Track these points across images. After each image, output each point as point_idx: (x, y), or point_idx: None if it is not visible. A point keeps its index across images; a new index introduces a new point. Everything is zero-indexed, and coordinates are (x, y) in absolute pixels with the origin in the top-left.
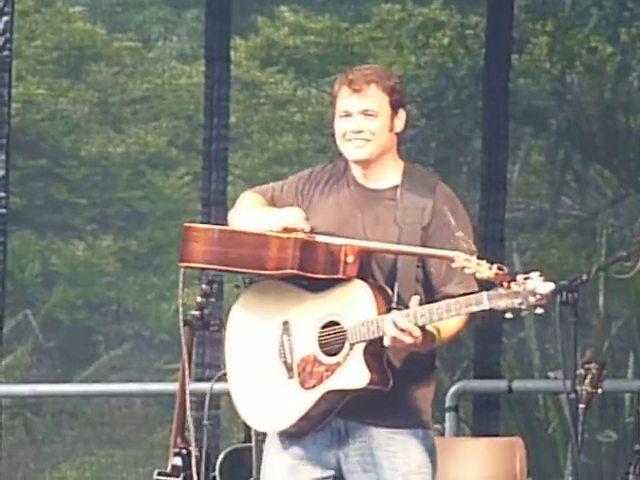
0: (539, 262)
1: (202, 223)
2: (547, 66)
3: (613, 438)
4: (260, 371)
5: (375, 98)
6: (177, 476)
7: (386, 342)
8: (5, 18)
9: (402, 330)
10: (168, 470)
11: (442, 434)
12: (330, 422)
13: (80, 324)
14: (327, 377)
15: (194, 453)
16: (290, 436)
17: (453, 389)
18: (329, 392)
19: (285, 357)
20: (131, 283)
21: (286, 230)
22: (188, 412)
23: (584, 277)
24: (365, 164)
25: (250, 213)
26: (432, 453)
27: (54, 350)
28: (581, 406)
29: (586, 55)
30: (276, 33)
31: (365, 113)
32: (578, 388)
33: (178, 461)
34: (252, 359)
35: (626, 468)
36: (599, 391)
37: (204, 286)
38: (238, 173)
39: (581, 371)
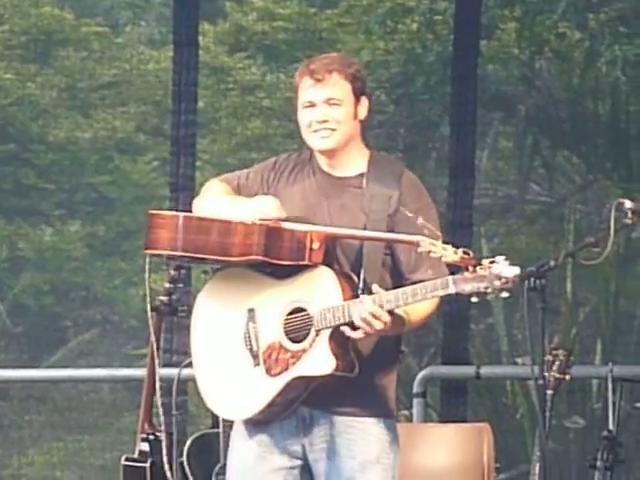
0: (507, 248)
1: (170, 209)
2: (516, 52)
3: (581, 424)
4: (226, 359)
5: (338, 86)
6: (144, 462)
7: (355, 331)
8: None
9: (371, 315)
10: (135, 455)
11: (410, 420)
12: (296, 410)
13: (48, 309)
14: (293, 364)
15: (162, 438)
16: (256, 424)
17: (421, 375)
18: (295, 379)
19: (251, 345)
20: (99, 268)
21: (263, 221)
22: (158, 397)
23: (552, 263)
24: (331, 153)
25: (220, 202)
26: (393, 443)
27: (21, 335)
28: (549, 392)
29: (554, 41)
30: (244, 18)
31: (329, 102)
32: (546, 374)
33: (145, 446)
34: (218, 347)
35: (594, 454)
36: (567, 377)
37: (172, 272)
38: (206, 158)
39: (549, 357)
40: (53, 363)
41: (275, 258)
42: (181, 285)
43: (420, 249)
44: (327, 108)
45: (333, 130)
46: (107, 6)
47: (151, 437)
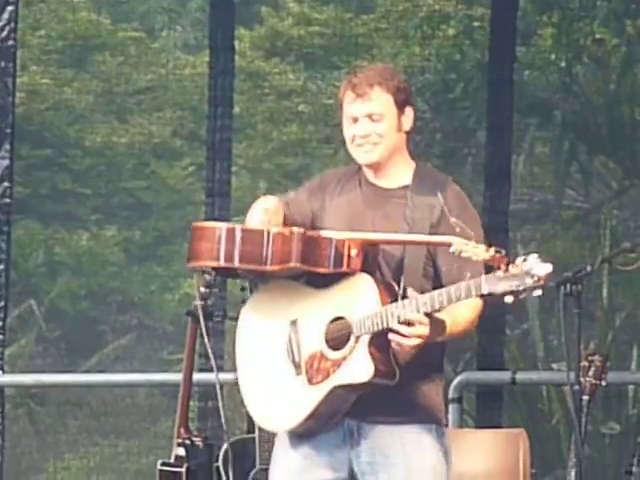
0: (543, 253)
1: (206, 213)
2: (552, 58)
3: (616, 430)
4: (269, 371)
5: (379, 100)
6: (181, 466)
7: (404, 337)
8: (10, 8)
9: (408, 322)
10: (172, 460)
11: (446, 426)
12: (341, 422)
13: (84, 314)
14: (333, 372)
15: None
16: (300, 435)
17: (456, 381)
18: (336, 387)
19: (293, 355)
20: (135, 273)
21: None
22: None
23: (588, 269)
24: (376, 166)
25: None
26: (447, 451)
27: (58, 340)
28: (585, 398)
29: (591, 47)
30: (280, 24)
31: (371, 117)
32: (582, 380)
33: (182, 451)
34: (262, 360)
35: (629, 460)
36: (603, 383)
37: (207, 277)
38: (242, 163)
39: (585, 363)
40: (89, 368)
41: (313, 266)
42: (216, 290)
43: (452, 249)
44: (369, 123)
45: (376, 144)
46: (143, 11)
47: (187, 442)
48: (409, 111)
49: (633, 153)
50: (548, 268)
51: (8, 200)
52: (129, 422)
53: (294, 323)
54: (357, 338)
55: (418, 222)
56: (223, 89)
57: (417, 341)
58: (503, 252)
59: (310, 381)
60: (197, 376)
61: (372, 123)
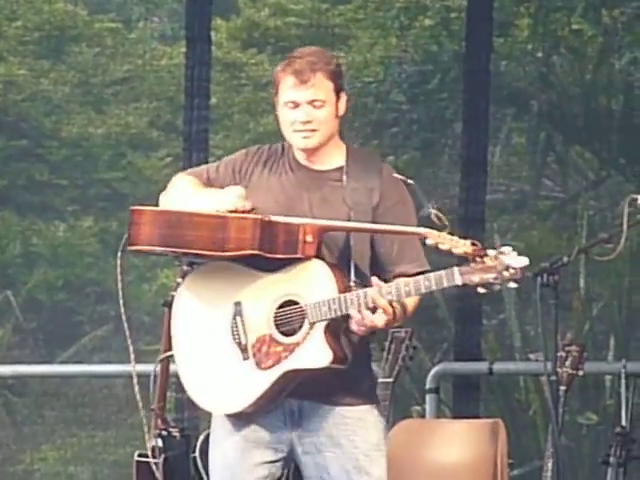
0: (520, 244)
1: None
2: (529, 48)
3: (593, 420)
4: (211, 353)
5: (322, 87)
6: (157, 457)
7: (359, 326)
8: None
9: (374, 308)
10: (148, 451)
11: (422, 416)
12: (282, 402)
13: (61, 305)
14: (285, 357)
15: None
16: (240, 417)
17: (434, 371)
18: (288, 372)
19: (239, 338)
20: (112, 264)
21: (234, 212)
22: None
23: (565, 259)
24: (311, 151)
25: (188, 195)
26: (385, 429)
27: (35, 331)
28: (562, 388)
29: (568, 37)
30: (257, 14)
31: (313, 103)
32: (559, 370)
33: (158, 442)
34: (201, 341)
35: (607, 450)
36: (580, 373)
37: (185, 267)
38: (219, 154)
39: (562, 353)
40: (66, 359)
41: (269, 252)
42: None
43: (428, 241)
44: (310, 109)
45: (315, 130)
46: (120, 2)
47: (164, 433)
48: (343, 96)
49: (610, 144)
50: (524, 261)
51: None
52: (106, 413)
53: (238, 305)
54: (312, 324)
55: (359, 205)
56: (200, 80)
57: (379, 325)
58: (479, 245)
59: (259, 365)
60: (174, 367)
61: (314, 109)
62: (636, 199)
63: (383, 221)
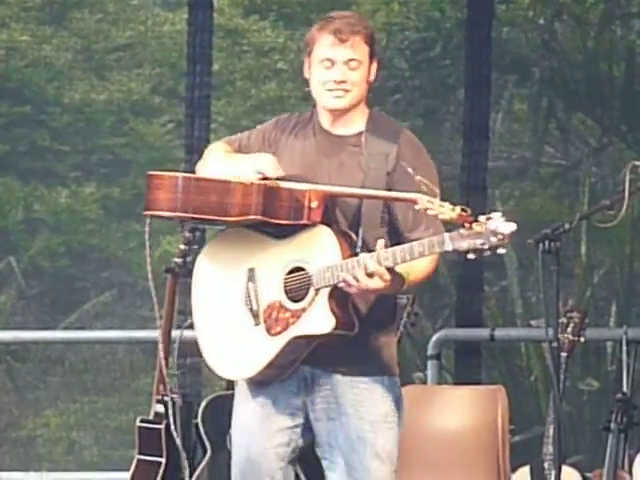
0: (522, 211)
1: (185, 170)
2: (531, 15)
3: (595, 386)
4: (226, 319)
5: (359, 48)
6: (160, 423)
7: (350, 288)
8: None
9: (370, 274)
10: (151, 417)
11: (424, 382)
12: (296, 370)
13: (63, 271)
14: (293, 323)
15: (176, 400)
16: (258, 385)
17: (435, 337)
18: (295, 338)
19: (251, 304)
20: (114, 230)
21: (265, 178)
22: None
23: (567, 226)
24: (339, 113)
25: (219, 163)
26: (398, 401)
27: (38, 297)
28: (563, 354)
29: (571, 4)
30: None
31: (349, 63)
32: (560, 336)
33: (161, 408)
34: (218, 307)
35: (608, 416)
36: (581, 339)
37: (187, 234)
38: (221, 120)
39: (563, 319)
40: (69, 325)
41: (273, 217)
42: (196, 247)
43: (417, 207)
44: (346, 69)
45: (347, 91)
46: None
47: (166, 399)
48: (375, 62)
49: (611, 111)
50: (512, 227)
51: None
52: (109, 379)
53: (251, 271)
54: (317, 290)
55: (373, 171)
56: (202, 46)
57: (375, 288)
58: (469, 211)
59: (269, 331)
60: (176, 333)
61: (349, 70)
62: (638, 166)
63: (397, 187)
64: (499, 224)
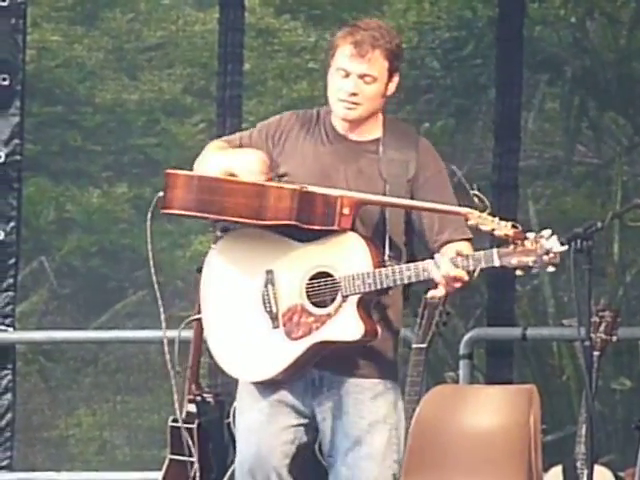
0: (554, 210)
1: None
2: (563, 13)
3: (627, 386)
4: (241, 319)
5: (377, 64)
6: (192, 423)
7: (440, 291)
8: None
9: (454, 277)
10: (183, 417)
11: (456, 381)
12: (306, 372)
13: (95, 271)
14: (317, 328)
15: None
16: (267, 385)
17: (467, 337)
18: (319, 343)
19: (270, 307)
20: (146, 230)
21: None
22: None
23: (599, 225)
24: (350, 121)
25: (207, 159)
26: (397, 405)
27: (69, 297)
28: (595, 353)
29: (602, 2)
30: None
31: (364, 77)
32: (593, 335)
33: (192, 408)
34: (231, 307)
35: None
36: (613, 338)
37: (218, 233)
38: (252, 120)
39: (596, 319)
40: (101, 324)
41: (306, 222)
42: None
43: (470, 222)
44: (360, 82)
45: (359, 104)
46: None
47: (198, 398)
48: (396, 77)
49: None
50: (564, 247)
51: (19, 157)
52: (141, 379)
53: (270, 273)
54: (344, 297)
55: (394, 178)
56: (233, 46)
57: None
58: (519, 227)
59: (289, 334)
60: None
61: (363, 84)
62: None
63: (421, 193)
64: (553, 244)
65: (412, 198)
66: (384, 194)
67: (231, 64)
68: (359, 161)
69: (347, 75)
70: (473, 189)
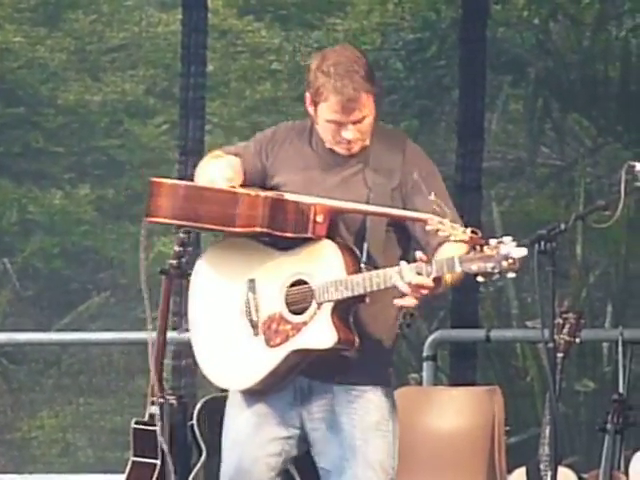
0: (517, 211)
1: (179, 172)
2: (526, 15)
3: (591, 387)
4: (224, 328)
5: (368, 103)
6: (155, 425)
7: (409, 300)
8: None
9: (416, 285)
10: (146, 419)
11: (420, 383)
12: (293, 380)
13: (58, 273)
14: (293, 336)
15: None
16: (253, 394)
17: (431, 338)
18: (294, 351)
19: (251, 315)
20: (108, 232)
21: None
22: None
23: (562, 226)
24: None
25: (199, 168)
26: (392, 411)
27: (32, 298)
28: (559, 355)
29: (566, 4)
30: None
31: (360, 120)
32: (556, 337)
33: (156, 410)
34: (216, 315)
35: (604, 417)
36: (577, 340)
37: (181, 235)
38: (216, 122)
39: (559, 320)
40: (63, 326)
41: (279, 230)
42: (190, 248)
43: (428, 227)
44: (356, 127)
45: (359, 140)
46: None
47: (161, 400)
48: (377, 94)
49: (607, 111)
50: (523, 252)
51: None
52: (104, 380)
53: (252, 282)
54: (319, 305)
55: (378, 187)
56: (196, 47)
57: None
58: (479, 233)
59: (268, 342)
60: (171, 334)
61: (359, 125)
62: (633, 166)
63: (412, 197)
64: (511, 249)
65: (404, 205)
66: (367, 202)
67: (194, 65)
68: (345, 170)
69: (341, 125)
70: (430, 195)
